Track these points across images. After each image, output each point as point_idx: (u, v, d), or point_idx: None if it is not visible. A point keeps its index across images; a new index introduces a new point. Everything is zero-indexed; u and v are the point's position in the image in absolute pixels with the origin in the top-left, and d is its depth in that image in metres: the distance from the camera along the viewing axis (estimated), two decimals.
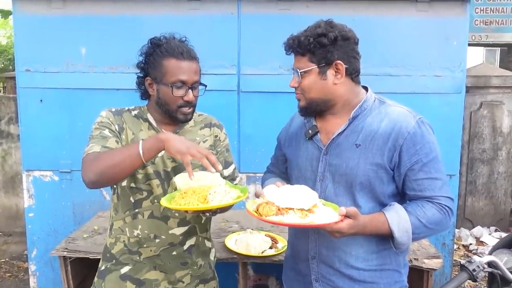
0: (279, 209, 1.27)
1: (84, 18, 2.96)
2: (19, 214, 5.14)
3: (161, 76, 1.53)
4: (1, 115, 5.19)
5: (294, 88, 1.48)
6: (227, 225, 2.71)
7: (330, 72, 1.41)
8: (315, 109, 1.47)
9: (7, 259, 4.62)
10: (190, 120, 1.62)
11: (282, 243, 2.36)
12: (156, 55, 1.55)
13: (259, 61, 2.92)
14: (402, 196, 1.44)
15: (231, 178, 1.76)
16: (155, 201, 1.61)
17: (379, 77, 2.97)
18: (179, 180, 1.47)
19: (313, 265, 1.50)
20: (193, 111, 1.61)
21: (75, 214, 3.10)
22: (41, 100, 3.01)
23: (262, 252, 2.28)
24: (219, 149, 1.73)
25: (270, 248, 2.33)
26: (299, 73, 1.42)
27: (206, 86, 1.62)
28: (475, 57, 10.84)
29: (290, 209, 1.27)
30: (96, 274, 1.73)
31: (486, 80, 4.89)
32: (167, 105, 1.56)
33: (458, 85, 3.01)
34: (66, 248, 2.38)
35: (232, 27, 2.96)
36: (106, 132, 1.54)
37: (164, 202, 1.41)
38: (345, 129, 1.44)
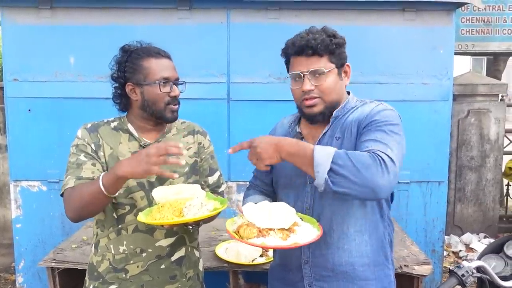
0: (260, 231, 1.28)
1: (72, 27, 2.96)
2: (7, 225, 5.05)
3: (143, 77, 1.53)
4: None
5: (303, 93, 1.42)
6: (217, 234, 2.70)
7: (343, 73, 1.47)
8: (329, 113, 1.46)
9: None
10: (176, 119, 1.61)
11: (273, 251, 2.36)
12: (134, 59, 1.54)
13: (248, 70, 2.93)
14: None
15: (216, 186, 1.75)
16: (139, 214, 1.56)
17: (368, 85, 3.00)
18: (157, 193, 1.46)
19: (305, 270, 1.49)
20: (178, 110, 1.61)
21: (64, 224, 3.07)
22: (29, 110, 2.99)
23: (253, 261, 2.27)
24: (203, 156, 1.72)
25: (261, 256, 2.32)
26: (324, 72, 1.39)
27: (185, 82, 1.62)
28: (462, 66, 10.99)
29: (271, 229, 1.28)
30: None
31: (473, 88, 4.94)
32: (155, 105, 1.54)
33: (445, 92, 3.05)
34: (54, 259, 2.35)
35: (222, 36, 2.98)
36: (82, 157, 1.53)
37: (141, 216, 1.41)
38: (328, 129, 1.47)
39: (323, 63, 1.40)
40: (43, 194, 3.06)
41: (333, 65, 1.41)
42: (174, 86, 1.56)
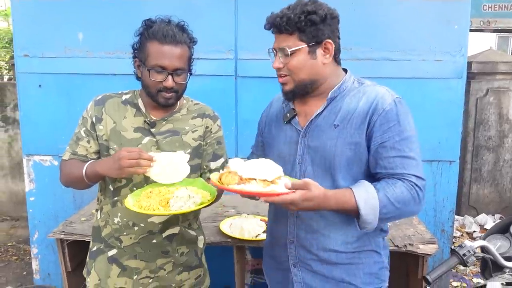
0: (241, 179, 1.25)
1: (81, 1, 2.95)
2: (25, 199, 5.21)
3: (144, 58, 1.52)
4: (7, 101, 5.24)
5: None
6: (223, 210, 2.72)
7: (319, 52, 1.38)
8: (302, 92, 1.43)
9: (14, 242, 4.70)
10: (172, 105, 1.59)
11: None
12: (143, 37, 1.53)
13: (256, 46, 2.88)
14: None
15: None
16: (134, 189, 1.58)
17: (378, 62, 2.93)
18: (153, 171, 1.45)
19: (291, 249, 1.49)
20: (177, 97, 1.58)
21: (75, 198, 3.13)
22: (39, 85, 3.03)
23: (256, 236, 2.29)
24: (208, 141, 1.70)
25: (264, 232, 2.33)
26: (288, 53, 1.36)
27: (191, 73, 1.58)
28: (487, 43, 10.65)
29: (253, 179, 1.24)
30: (88, 254, 1.75)
31: (493, 66, 4.79)
32: (148, 88, 1.54)
33: (459, 70, 2.96)
34: (63, 231, 2.41)
35: (229, 10, 2.93)
36: (82, 132, 1.62)
37: (129, 200, 1.44)
38: (323, 110, 1.43)
39: (292, 41, 1.36)
40: (55, 168, 3.11)
41: (303, 44, 1.36)
42: (170, 76, 1.50)
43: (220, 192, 1.61)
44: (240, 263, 2.50)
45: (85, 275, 1.76)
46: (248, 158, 1.76)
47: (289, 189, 1.21)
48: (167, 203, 1.40)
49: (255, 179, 1.24)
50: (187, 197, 1.41)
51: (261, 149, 1.67)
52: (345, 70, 1.48)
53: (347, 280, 1.45)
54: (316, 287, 1.47)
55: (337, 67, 1.45)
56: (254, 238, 2.27)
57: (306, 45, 1.36)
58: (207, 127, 1.69)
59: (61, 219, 3.01)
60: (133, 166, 1.37)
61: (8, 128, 5.29)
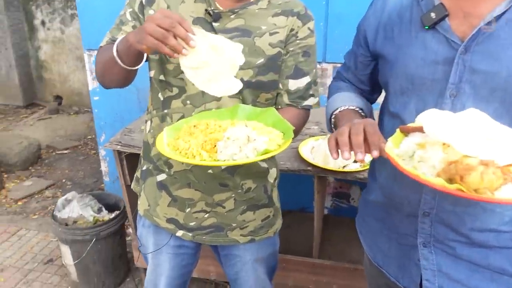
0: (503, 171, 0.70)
1: None
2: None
3: None
4: None
5: None
6: (304, 126, 2.25)
7: None
8: None
9: (93, 136, 4.69)
10: None
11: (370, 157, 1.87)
12: None
13: None
14: None
15: (298, 96, 1.27)
16: (188, 102, 1.22)
17: None
18: (184, 60, 0.97)
19: (424, 224, 1.01)
20: None
21: (140, 99, 2.82)
22: None
23: (344, 167, 1.82)
24: (291, 49, 1.22)
25: (355, 161, 1.85)
26: None
27: None
28: None
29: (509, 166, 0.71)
30: (139, 172, 1.46)
31: None
32: None
33: None
34: (120, 142, 2.12)
35: None
36: (127, 14, 1.24)
37: (164, 136, 1.04)
38: (506, 10, 0.84)
39: None
40: None
41: None
42: None
43: (298, 129, 1.21)
44: (321, 192, 2.08)
45: (134, 189, 1.53)
46: (331, 88, 1.24)
47: None
48: (214, 146, 0.96)
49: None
50: (244, 140, 0.95)
51: (362, 68, 1.15)
52: None
53: (510, 271, 0.96)
54: (458, 278, 1.00)
55: None
56: (341, 169, 1.81)
57: None
58: (292, 30, 1.21)
59: (127, 122, 2.74)
60: (157, 38, 0.93)
61: None
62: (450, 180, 0.71)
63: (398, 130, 0.87)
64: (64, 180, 3.85)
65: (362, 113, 1.13)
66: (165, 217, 1.37)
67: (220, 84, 0.99)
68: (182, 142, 1.00)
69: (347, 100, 1.15)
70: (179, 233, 1.38)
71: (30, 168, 4.00)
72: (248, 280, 1.49)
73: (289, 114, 1.22)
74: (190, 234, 1.37)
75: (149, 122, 1.37)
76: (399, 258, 1.09)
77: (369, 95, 1.23)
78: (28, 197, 3.51)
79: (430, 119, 0.78)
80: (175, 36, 0.93)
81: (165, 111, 1.27)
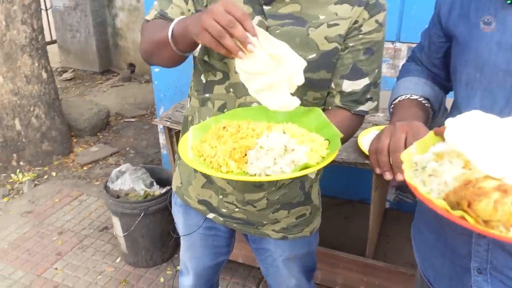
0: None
1: None
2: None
3: None
4: None
5: None
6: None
7: None
8: None
9: None
10: None
11: None
12: None
13: None
14: None
15: (352, 100, 1.08)
16: (231, 90, 1.09)
17: None
18: (240, 63, 0.83)
19: (479, 246, 0.83)
20: None
21: None
22: None
23: None
24: (351, 44, 1.03)
25: None
26: None
27: None
28: None
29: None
30: (178, 146, 1.37)
31: None
32: None
33: None
34: (170, 118, 2.06)
35: None
36: None
37: (194, 132, 0.93)
38: None
39: None
40: None
41: None
42: None
43: (347, 138, 1.07)
44: (380, 189, 1.88)
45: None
46: (402, 70, 1.07)
47: None
48: (245, 155, 0.82)
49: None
50: (281, 151, 0.80)
51: (435, 50, 0.98)
52: None
53: None
54: None
55: None
56: None
57: None
58: (355, 22, 1.02)
59: (185, 96, 2.69)
60: (213, 36, 0.80)
61: None
62: (458, 204, 0.55)
63: (431, 132, 0.69)
64: (128, 148, 3.93)
65: (427, 104, 0.98)
66: (197, 198, 1.29)
67: (276, 97, 0.85)
68: (208, 147, 0.87)
69: (412, 88, 0.99)
70: (210, 215, 1.31)
71: (98, 134, 4.13)
72: (279, 276, 1.40)
73: (339, 118, 1.06)
74: (222, 219, 1.30)
75: (188, 100, 1.28)
76: (451, 279, 0.93)
77: (444, 81, 1.04)
78: (93, 163, 3.62)
79: (458, 121, 0.59)
80: (232, 36, 0.80)
81: (207, 95, 1.15)
